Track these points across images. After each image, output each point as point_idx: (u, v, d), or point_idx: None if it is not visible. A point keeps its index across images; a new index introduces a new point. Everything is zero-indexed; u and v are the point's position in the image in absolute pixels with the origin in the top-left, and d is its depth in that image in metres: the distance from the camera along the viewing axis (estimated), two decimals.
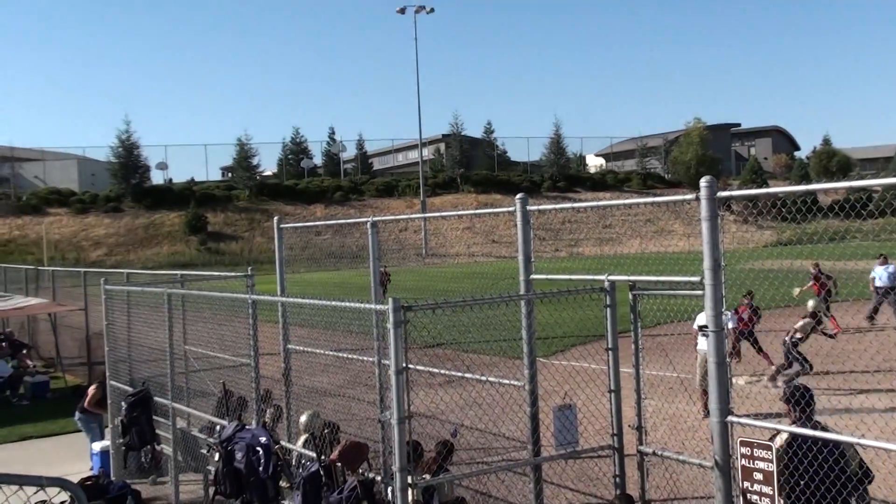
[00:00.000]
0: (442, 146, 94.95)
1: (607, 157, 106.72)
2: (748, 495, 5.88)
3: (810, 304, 16.43)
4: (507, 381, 7.30)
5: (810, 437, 5.97)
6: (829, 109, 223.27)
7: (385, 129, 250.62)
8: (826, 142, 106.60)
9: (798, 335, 15.62)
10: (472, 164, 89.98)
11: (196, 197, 75.24)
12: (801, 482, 5.93)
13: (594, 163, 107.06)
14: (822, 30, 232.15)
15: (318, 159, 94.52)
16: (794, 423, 6.51)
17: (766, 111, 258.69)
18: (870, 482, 6.32)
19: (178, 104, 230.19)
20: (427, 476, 7.17)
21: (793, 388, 6.78)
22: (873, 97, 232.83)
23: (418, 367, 8.02)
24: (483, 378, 7.78)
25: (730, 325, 13.07)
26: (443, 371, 9.00)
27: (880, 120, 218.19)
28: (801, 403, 6.57)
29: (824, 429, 6.00)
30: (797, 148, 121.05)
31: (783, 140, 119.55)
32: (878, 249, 48.34)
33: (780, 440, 6.20)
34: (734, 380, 14.22)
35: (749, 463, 5.90)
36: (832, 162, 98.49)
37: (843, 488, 6.00)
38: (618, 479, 6.87)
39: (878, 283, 22.53)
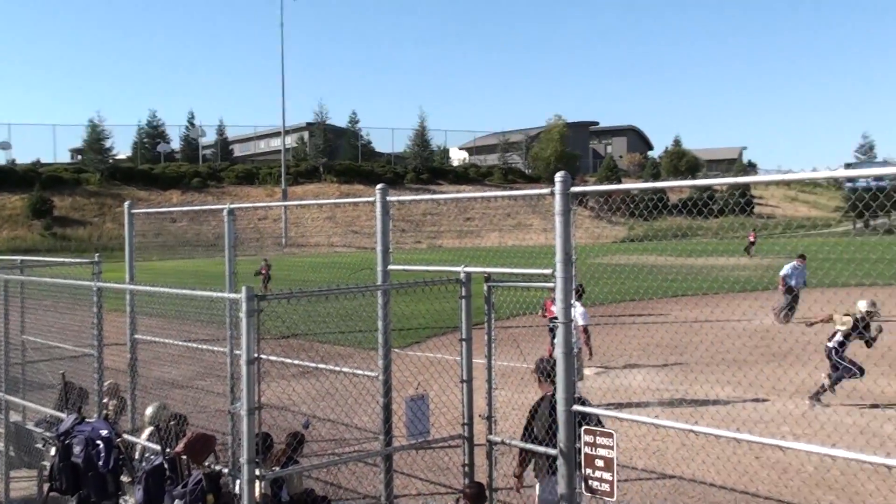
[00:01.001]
0: (305, 135, 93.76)
1: (470, 150, 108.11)
2: (590, 481, 6.10)
3: (861, 304, 13.83)
4: (361, 372, 7.28)
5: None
6: (681, 111, 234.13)
7: (247, 115, 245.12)
8: (677, 142, 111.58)
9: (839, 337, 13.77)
10: (336, 154, 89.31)
11: (42, 179, 71.41)
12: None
13: (458, 156, 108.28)
14: (678, 35, 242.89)
15: (175, 144, 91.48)
16: (546, 392, 6.94)
17: (623, 111, 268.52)
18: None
19: (24, 81, 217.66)
20: (276, 468, 7.08)
21: (539, 360, 7.25)
22: (721, 101, 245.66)
23: (271, 358, 7.90)
24: (337, 369, 7.75)
25: (580, 322, 13.50)
26: (296, 362, 8.92)
27: (726, 123, 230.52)
28: (547, 373, 6.95)
29: (583, 402, 6.25)
30: (651, 147, 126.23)
31: (638, 139, 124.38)
32: (717, 247, 50.70)
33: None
34: (585, 371, 14.75)
35: (591, 450, 6.11)
36: (682, 162, 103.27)
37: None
38: (467, 469, 6.98)
39: (791, 283, 23.52)
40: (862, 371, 13.36)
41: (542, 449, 6.53)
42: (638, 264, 44.91)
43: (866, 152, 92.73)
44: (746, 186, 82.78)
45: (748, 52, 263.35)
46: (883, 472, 9.25)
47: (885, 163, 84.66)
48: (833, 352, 13.65)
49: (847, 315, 13.67)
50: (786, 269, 23.39)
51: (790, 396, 13.46)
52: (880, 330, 13.36)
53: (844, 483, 9.11)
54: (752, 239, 50.62)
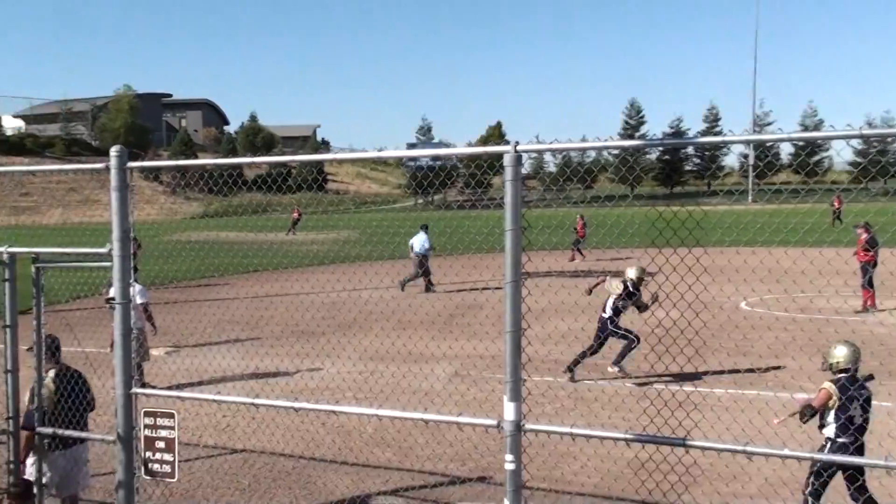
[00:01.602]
0: None
1: (28, 119, 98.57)
2: (150, 464, 5.98)
3: (630, 272, 13.62)
4: None
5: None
6: (257, 87, 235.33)
7: None
8: (253, 118, 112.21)
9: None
10: None
11: None
12: None
13: (11, 125, 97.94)
14: (252, 8, 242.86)
15: None
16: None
17: (198, 84, 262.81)
18: None
19: None
20: None
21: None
22: (296, 79, 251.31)
23: None
24: None
25: (139, 300, 13.02)
26: None
27: (301, 101, 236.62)
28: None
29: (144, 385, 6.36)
30: (227, 122, 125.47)
31: (213, 114, 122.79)
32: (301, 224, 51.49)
33: None
34: (153, 351, 14.29)
35: (152, 433, 5.99)
36: (258, 138, 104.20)
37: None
38: (12, 466, 6.45)
39: (416, 250, 24.69)
40: (637, 339, 13.06)
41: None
42: (215, 241, 44.58)
43: (425, 133, 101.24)
44: (319, 163, 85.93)
45: (322, 34, 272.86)
46: (431, 427, 10.31)
47: (440, 143, 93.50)
48: (609, 322, 13.33)
49: (617, 279, 13.60)
50: (414, 240, 24.97)
51: (354, 363, 14.36)
52: (657, 298, 12.60)
53: (399, 440, 9.97)
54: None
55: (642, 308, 13.32)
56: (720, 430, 9.32)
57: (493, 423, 5.22)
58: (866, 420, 6.98)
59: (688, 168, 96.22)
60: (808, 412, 7.10)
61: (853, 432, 6.89)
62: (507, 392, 5.07)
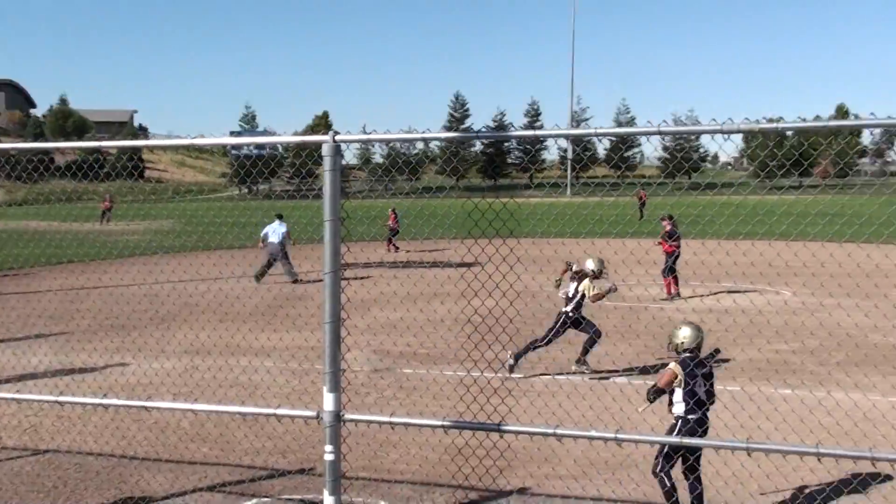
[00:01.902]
0: None
1: None
2: None
3: (590, 263, 13.33)
4: None
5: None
6: (68, 69, 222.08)
7: None
8: (63, 101, 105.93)
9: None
10: None
11: None
12: None
13: None
14: None
15: None
16: None
17: (1, 64, 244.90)
18: None
19: None
20: None
21: None
22: (111, 62, 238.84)
23: None
24: None
25: None
26: None
27: (117, 85, 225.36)
28: None
29: None
30: (33, 105, 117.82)
31: (18, 95, 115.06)
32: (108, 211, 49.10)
33: None
34: None
35: None
36: (69, 122, 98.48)
37: None
38: None
39: (271, 239, 23.68)
40: (600, 333, 13.05)
41: None
42: (20, 230, 41.79)
43: (249, 122, 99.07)
44: (136, 150, 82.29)
45: (139, 14, 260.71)
46: (250, 420, 10.11)
47: (265, 132, 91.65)
48: (572, 317, 13.04)
49: (580, 271, 13.21)
50: (268, 229, 24.11)
51: (171, 358, 13.87)
52: (614, 289, 13.34)
53: (217, 434, 9.72)
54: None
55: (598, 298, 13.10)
56: (532, 415, 9.67)
57: (313, 414, 5.19)
58: (710, 396, 7.31)
59: (510, 161, 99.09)
60: (654, 393, 7.43)
61: (696, 407, 7.21)
62: (326, 382, 5.06)
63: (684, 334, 7.47)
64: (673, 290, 20.22)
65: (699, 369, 7.27)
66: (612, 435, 4.71)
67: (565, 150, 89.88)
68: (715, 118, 4.63)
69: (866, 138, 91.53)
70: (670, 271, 20.20)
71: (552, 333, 13.03)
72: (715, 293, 20.17)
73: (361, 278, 23.79)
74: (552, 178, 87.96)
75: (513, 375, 12.43)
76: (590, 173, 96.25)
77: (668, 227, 20.64)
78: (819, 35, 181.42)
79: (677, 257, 20.27)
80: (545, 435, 4.70)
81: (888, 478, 8.04)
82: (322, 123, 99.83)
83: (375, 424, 5.05)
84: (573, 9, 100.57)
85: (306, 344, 14.44)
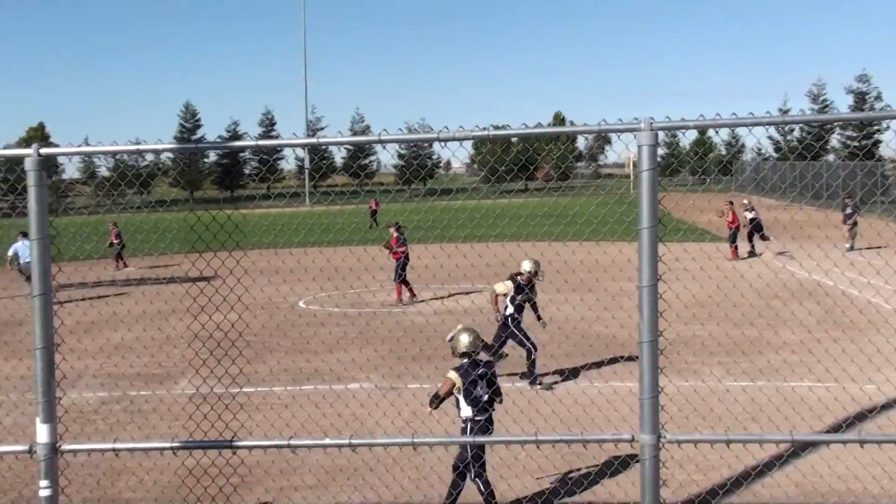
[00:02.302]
0: None
1: None
2: None
3: (526, 265, 12.90)
4: None
5: None
6: None
7: None
8: None
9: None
10: None
11: None
12: None
13: None
14: None
15: None
16: None
17: None
18: None
19: None
20: None
21: None
22: None
23: None
24: None
25: None
26: None
27: None
28: None
29: None
30: None
31: None
32: None
33: None
34: None
35: None
36: None
37: None
38: None
39: (25, 259, 22.21)
40: (535, 347, 12.54)
41: None
42: None
43: None
44: None
45: None
46: None
47: None
48: (509, 320, 12.61)
49: (509, 279, 12.75)
50: (13, 250, 22.98)
51: None
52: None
53: None
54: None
55: (534, 305, 12.98)
56: (266, 428, 9.56)
57: (25, 448, 4.82)
58: (490, 396, 7.56)
59: (247, 171, 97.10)
60: (435, 400, 7.58)
61: (478, 408, 7.45)
62: (39, 413, 4.73)
63: (465, 340, 7.65)
64: (405, 297, 20.56)
65: (474, 370, 7.51)
66: (347, 441, 4.75)
67: (303, 160, 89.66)
68: (447, 126, 4.84)
69: (581, 143, 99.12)
70: (399, 277, 20.61)
71: (522, 338, 12.64)
72: (453, 294, 20.96)
73: (90, 299, 22.33)
74: (291, 188, 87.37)
75: (549, 387, 12.18)
76: (329, 182, 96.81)
77: (396, 234, 21.07)
78: (536, 48, 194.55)
79: (404, 264, 20.71)
80: (279, 447, 4.66)
81: (610, 460, 8.74)
82: (38, 136, 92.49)
83: (101, 453, 4.76)
84: (303, 18, 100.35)
85: (27, 372, 13.32)
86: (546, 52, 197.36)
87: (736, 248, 27.61)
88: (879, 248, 24.52)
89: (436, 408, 7.66)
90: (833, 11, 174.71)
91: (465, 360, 7.60)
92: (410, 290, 20.67)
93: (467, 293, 21.07)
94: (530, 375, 12.36)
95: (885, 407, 9.85)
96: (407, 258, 20.67)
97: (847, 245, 27.24)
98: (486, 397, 7.49)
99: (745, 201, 29.51)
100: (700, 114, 4.84)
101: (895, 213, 41.46)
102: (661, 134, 4.60)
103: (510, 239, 27.07)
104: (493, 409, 7.60)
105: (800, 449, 8.67)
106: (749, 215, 28.38)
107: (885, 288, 17.33)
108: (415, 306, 19.95)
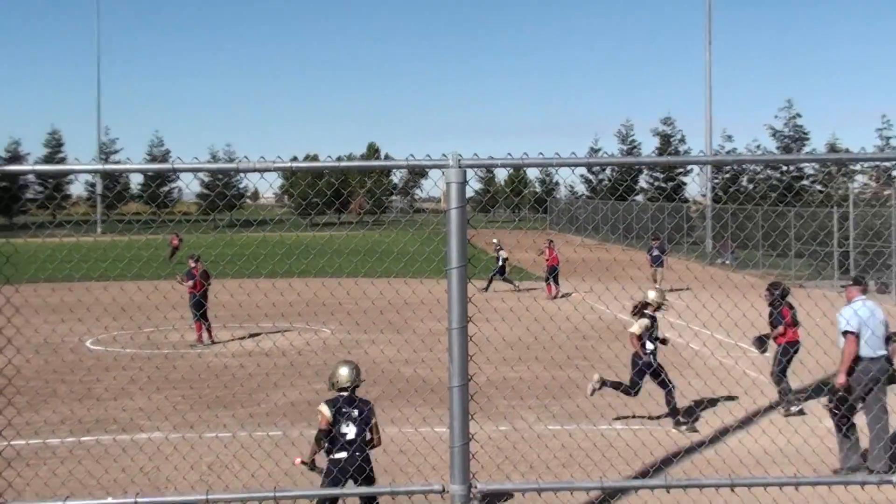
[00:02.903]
0: None
1: None
2: None
3: (651, 294, 13.00)
4: None
5: None
6: None
7: None
8: None
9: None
10: None
11: None
12: None
13: None
14: None
15: None
16: None
17: None
18: None
19: None
20: None
21: None
22: None
23: None
24: None
25: None
26: None
27: None
28: None
29: None
30: None
31: None
32: None
33: None
34: None
35: None
36: None
37: None
38: None
39: None
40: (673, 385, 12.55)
41: None
42: None
43: None
44: None
45: None
46: None
47: None
48: (654, 359, 12.61)
49: (640, 317, 12.71)
50: None
51: None
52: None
53: None
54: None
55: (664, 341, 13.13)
56: (45, 487, 8.93)
57: None
58: (360, 436, 7.56)
59: (29, 196, 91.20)
60: (320, 436, 7.60)
61: (345, 446, 7.48)
62: None
63: (341, 373, 7.80)
64: (205, 338, 19.84)
65: (348, 407, 7.59)
66: (133, 500, 4.50)
67: (94, 185, 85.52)
68: (264, 156, 4.78)
69: (396, 176, 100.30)
70: (198, 313, 19.97)
71: (665, 378, 12.61)
72: (254, 335, 20.49)
73: None
74: (78, 215, 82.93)
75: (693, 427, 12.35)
76: (122, 210, 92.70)
77: (193, 265, 20.43)
78: (349, 80, 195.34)
79: (199, 299, 20.03)
80: None
81: None
82: None
83: None
84: (97, 36, 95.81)
85: None
86: (367, 81, 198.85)
87: (551, 286, 28.86)
88: (681, 290, 26.24)
89: (322, 447, 7.61)
90: (639, 53, 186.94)
91: (341, 395, 7.72)
92: (209, 330, 19.99)
93: (269, 333, 20.65)
94: (675, 415, 12.54)
95: (689, 451, 10.46)
96: (205, 294, 20.06)
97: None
98: (352, 435, 7.53)
99: (495, 240, 30.85)
100: (508, 152, 4.96)
101: (698, 252, 44.66)
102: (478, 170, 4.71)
103: (316, 275, 26.86)
104: (362, 451, 7.56)
105: (610, 495, 9.06)
106: (503, 254, 30.05)
107: (687, 329, 18.52)
108: (211, 348, 19.34)
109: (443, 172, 4.66)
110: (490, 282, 30.09)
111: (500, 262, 30.37)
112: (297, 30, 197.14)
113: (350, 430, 7.56)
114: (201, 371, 15.81)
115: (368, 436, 7.67)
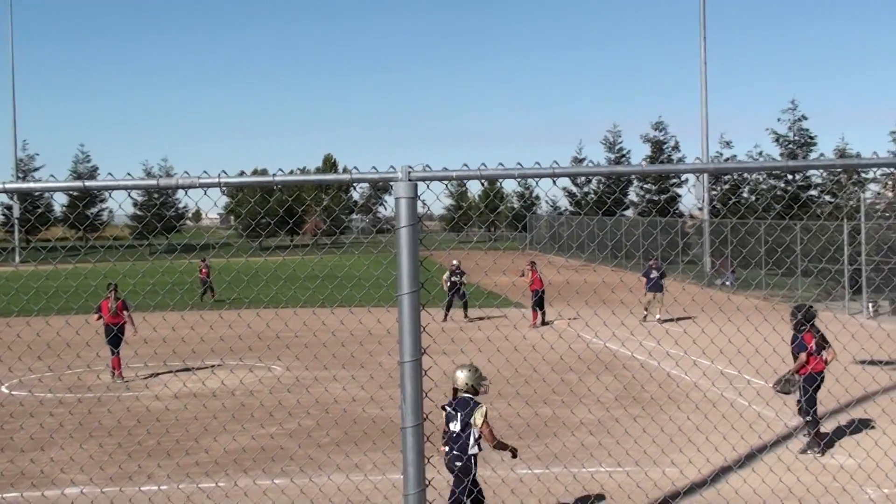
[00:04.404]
0: None
1: None
2: None
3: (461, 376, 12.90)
4: None
5: None
6: None
7: None
8: None
9: None
10: None
11: None
12: None
13: None
14: None
15: None
16: None
17: None
18: None
19: None
20: None
21: None
22: None
23: None
24: None
25: None
26: None
27: None
28: None
29: None
30: None
31: None
32: None
33: None
34: None
35: None
36: None
37: None
38: None
39: None
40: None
41: None
42: None
43: None
44: None
45: None
46: None
47: None
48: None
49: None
50: None
51: None
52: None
53: None
54: None
55: None
56: None
57: None
58: (462, 435, 8.93)
59: None
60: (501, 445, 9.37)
61: (448, 444, 9.02)
62: None
63: (460, 377, 9.07)
64: (118, 373, 20.13)
65: (456, 408, 8.94)
66: None
67: (10, 208, 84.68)
68: (207, 171, 4.82)
69: (356, 193, 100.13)
70: (116, 349, 20.14)
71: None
72: (198, 372, 20.39)
73: None
74: None
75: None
76: (43, 235, 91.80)
77: (107, 297, 20.61)
78: (305, 90, 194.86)
79: (115, 333, 20.21)
80: None
81: None
82: None
83: None
84: (10, 46, 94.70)
85: None
86: (329, 88, 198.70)
87: (538, 313, 28.94)
88: (678, 319, 26.44)
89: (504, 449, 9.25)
90: (630, 55, 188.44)
91: (467, 396, 9.01)
92: (119, 366, 20.18)
93: (215, 371, 20.55)
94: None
95: (689, 491, 10.59)
96: (122, 328, 20.25)
97: (657, 316, 29.03)
98: (455, 435, 8.87)
99: (455, 262, 30.76)
100: (464, 163, 4.91)
101: (695, 271, 44.89)
102: (451, 183, 4.76)
103: (268, 305, 26.83)
104: (467, 452, 8.82)
105: None
106: (454, 279, 30.13)
107: (685, 359, 18.69)
108: (150, 389, 19.24)
109: (391, 186, 4.58)
110: (447, 310, 29.96)
111: (458, 286, 30.16)
112: (249, 34, 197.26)
113: (453, 428, 8.88)
114: (139, 415, 15.74)
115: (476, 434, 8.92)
